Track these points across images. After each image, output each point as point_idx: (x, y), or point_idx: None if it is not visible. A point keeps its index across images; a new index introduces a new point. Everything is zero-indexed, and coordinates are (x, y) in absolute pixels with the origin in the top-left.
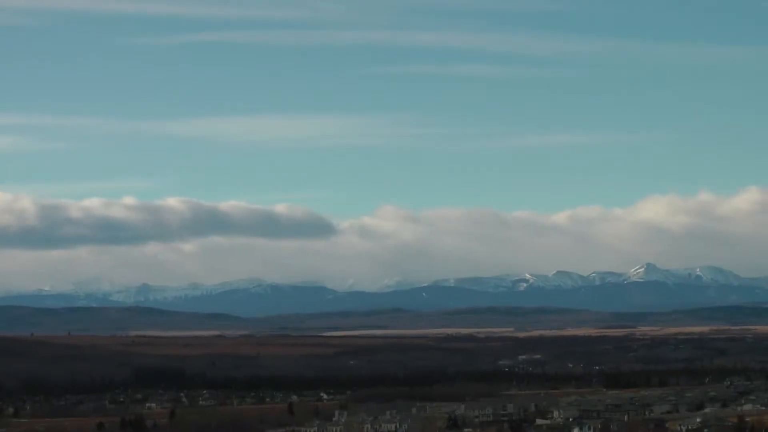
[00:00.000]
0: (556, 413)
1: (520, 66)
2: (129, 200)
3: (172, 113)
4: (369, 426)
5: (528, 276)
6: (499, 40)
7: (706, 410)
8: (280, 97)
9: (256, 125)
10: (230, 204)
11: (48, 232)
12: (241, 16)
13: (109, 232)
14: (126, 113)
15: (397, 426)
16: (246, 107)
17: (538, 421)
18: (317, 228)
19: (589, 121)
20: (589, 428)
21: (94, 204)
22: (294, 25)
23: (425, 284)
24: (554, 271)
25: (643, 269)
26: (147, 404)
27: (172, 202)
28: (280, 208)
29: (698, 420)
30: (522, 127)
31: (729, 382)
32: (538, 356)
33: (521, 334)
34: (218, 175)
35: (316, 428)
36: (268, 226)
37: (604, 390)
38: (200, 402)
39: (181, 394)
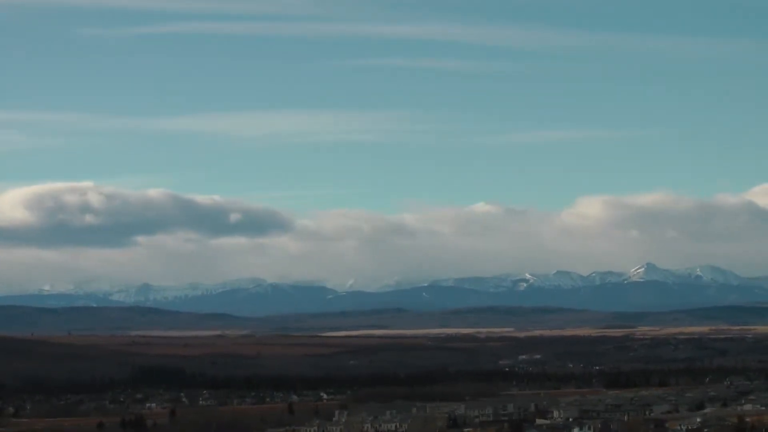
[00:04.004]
0: (556, 413)
1: (510, 60)
2: (126, 198)
3: (168, 111)
4: (369, 426)
5: (528, 276)
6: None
7: (707, 410)
8: (275, 94)
9: (254, 122)
10: (229, 202)
11: (46, 231)
12: (224, 9)
13: (107, 231)
14: (117, 110)
15: (397, 426)
16: (245, 104)
17: (538, 421)
18: (316, 227)
19: (586, 117)
20: (589, 428)
21: (92, 202)
22: (274, 18)
23: (425, 284)
24: (554, 271)
25: (643, 269)
26: (147, 404)
27: (170, 200)
28: (280, 206)
29: (698, 420)
30: (520, 124)
31: (729, 382)
32: (538, 356)
33: (521, 334)
34: (217, 174)
35: (316, 428)
36: (267, 224)
37: (604, 390)
38: (200, 402)
39: (182, 394)
